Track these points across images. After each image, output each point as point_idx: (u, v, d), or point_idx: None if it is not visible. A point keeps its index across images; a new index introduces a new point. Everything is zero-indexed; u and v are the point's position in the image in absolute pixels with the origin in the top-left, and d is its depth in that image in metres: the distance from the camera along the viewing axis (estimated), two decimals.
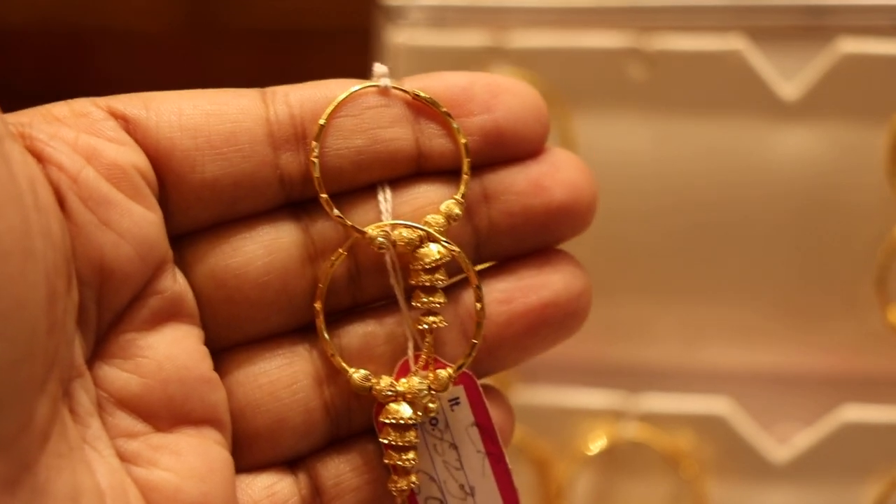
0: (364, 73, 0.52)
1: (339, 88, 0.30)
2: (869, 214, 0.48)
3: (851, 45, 0.47)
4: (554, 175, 0.31)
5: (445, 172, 0.31)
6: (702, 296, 0.50)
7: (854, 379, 0.50)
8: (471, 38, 0.48)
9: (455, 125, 0.30)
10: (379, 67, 0.31)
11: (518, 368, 0.49)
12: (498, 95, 0.31)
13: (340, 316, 0.31)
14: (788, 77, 0.47)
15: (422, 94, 0.31)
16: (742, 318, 0.50)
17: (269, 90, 0.30)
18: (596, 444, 0.49)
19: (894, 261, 0.47)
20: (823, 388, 0.50)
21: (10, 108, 0.28)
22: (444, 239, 0.30)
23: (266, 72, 0.74)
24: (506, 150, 0.31)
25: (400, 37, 0.48)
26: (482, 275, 0.31)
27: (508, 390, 0.49)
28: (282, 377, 0.30)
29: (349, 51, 0.60)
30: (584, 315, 0.31)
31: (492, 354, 0.31)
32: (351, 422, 0.31)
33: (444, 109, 0.30)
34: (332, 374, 0.30)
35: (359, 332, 0.31)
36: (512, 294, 0.31)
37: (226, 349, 0.30)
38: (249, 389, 0.30)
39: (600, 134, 0.49)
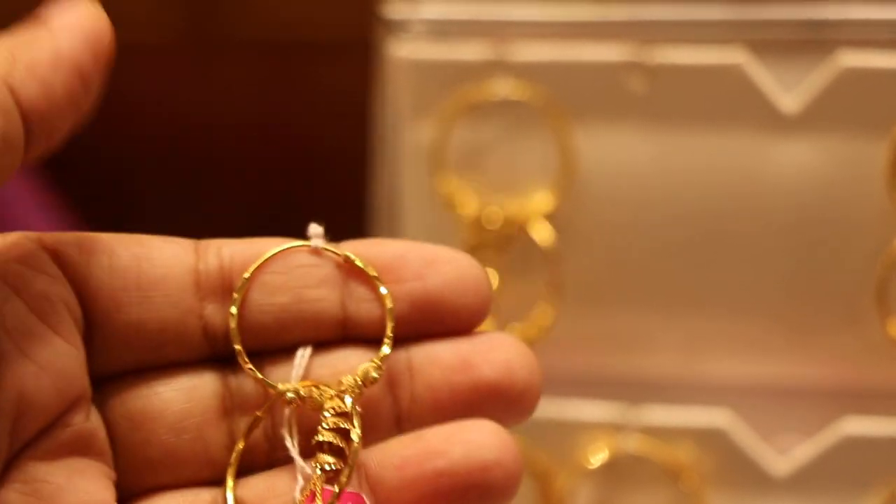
0: (366, 85, 0.52)
1: (273, 245, 0.30)
2: (869, 227, 0.48)
3: (852, 59, 0.47)
4: (486, 353, 0.30)
5: (373, 340, 0.30)
6: (702, 308, 0.50)
7: (855, 391, 0.50)
8: (472, 51, 0.48)
9: (383, 290, 0.30)
10: (314, 228, 0.31)
11: None
12: (433, 264, 0.30)
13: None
14: (789, 90, 0.48)
15: (352, 257, 0.30)
16: (743, 331, 0.50)
17: (204, 242, 0.30)
18: (597, 457, 0.49)
19: (894, 273, 0.47)
20: (824, 401, 0.50)
21: None
22: (346, 396, 0.29)
23: (267, 83, 0.74)
24: (436, 320, 0.30)
25: (402, 50, 0.48)
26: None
27: None
28: None
29: (351, 63, 0.60)
30: (502, 490, 0.29)
31: None
32: None
33: (374, 274, 0.30)
34: None
35: (260, 484, 0.30)
36: (408, 460, 0.29)
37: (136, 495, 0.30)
38: None
39: (600, 146, 0.49)
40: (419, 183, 0.49)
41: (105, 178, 0.74)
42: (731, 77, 0.47)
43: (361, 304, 0.30)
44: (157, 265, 0.30)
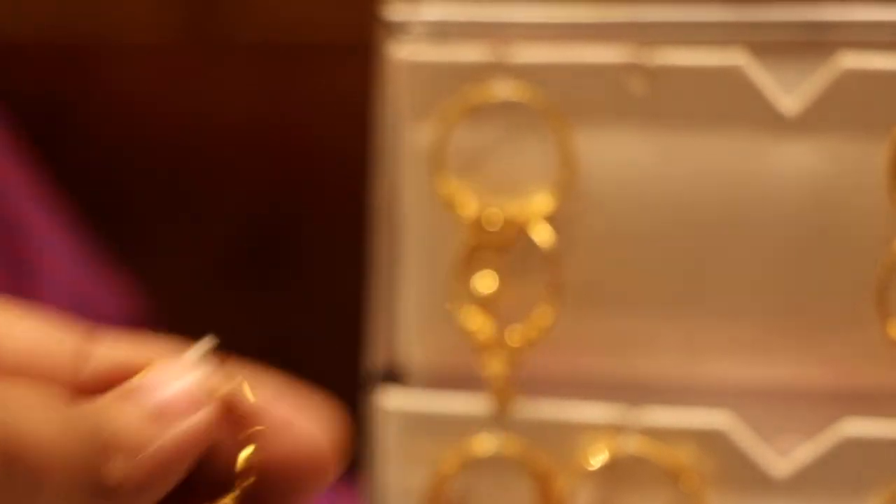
0: (366, 87, 0.52)
1: (159, 360, 0.30)
2: (869, 228, 0.48)
3: (852, 61, 0.47)
4: None
5: (218, 486, 0.30)
6: (703, 309, 0.50)
7: (855, 393, 0.50)
8: (473, 53, 0.48)
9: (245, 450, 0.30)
10: (199, 348, 0.30)
11: (518, 381, 0.49)
12: (282, 430, 0.30)
13: None
14: (789, 92, 0.48)
15: (234, 399, 0.30)
16: (743, 332, 0.50)
17: (91, 343, 0.30)
18: (597, 458, 0.49)
19: (895, 275, 0.47)
20: (824, 402, 0.50)
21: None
22: None
23: (267, 84, 0.74)
24: (272, 488, 0.30)
25: (402, 51, 0.48)
26: None
27: (508, 404, 0.49)
28: None
29: (351, 65, 0.60)
30: None
31: None
32: None
33: (250, 430, 0.30)
34: None
35: None
36: None
37: None
38: None
39: (601, 148, 0.49)
40: (419, 184, 0.49)
41: (104, 177, 0.74)
42: (732, 79, 0.47)
43: (220, 450, 0.30)
44: (34, 373, 0.29)
